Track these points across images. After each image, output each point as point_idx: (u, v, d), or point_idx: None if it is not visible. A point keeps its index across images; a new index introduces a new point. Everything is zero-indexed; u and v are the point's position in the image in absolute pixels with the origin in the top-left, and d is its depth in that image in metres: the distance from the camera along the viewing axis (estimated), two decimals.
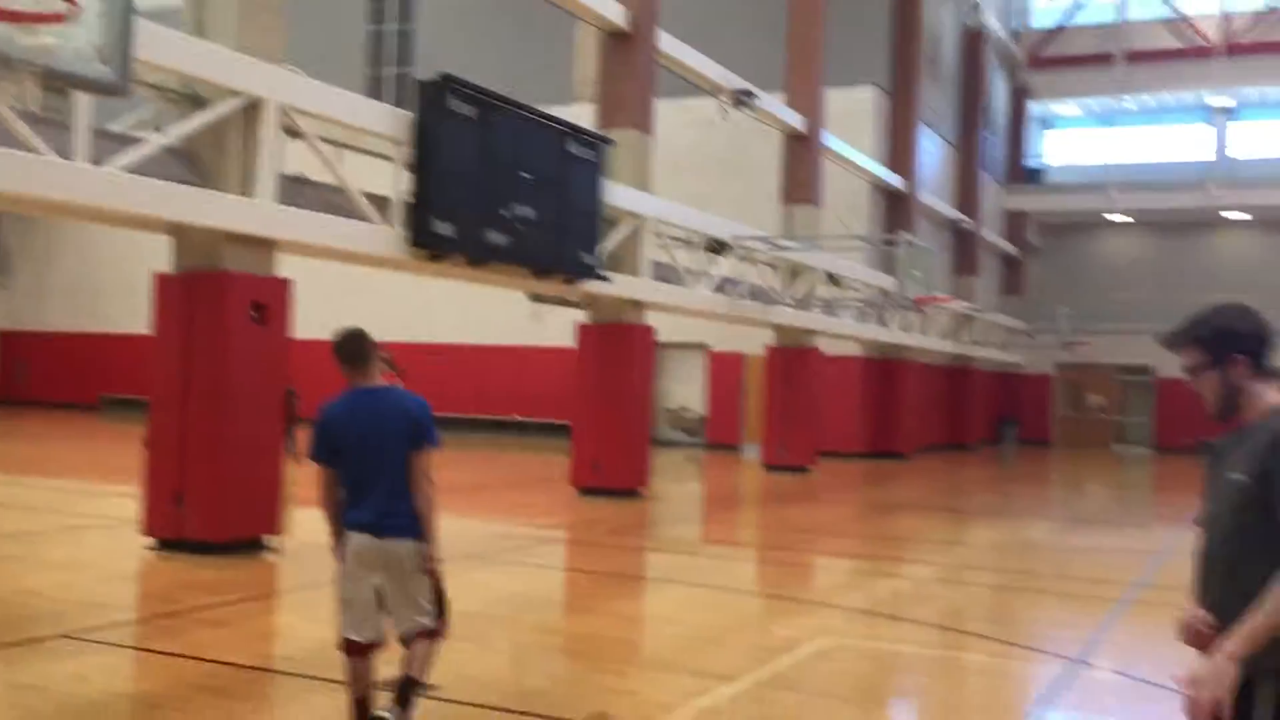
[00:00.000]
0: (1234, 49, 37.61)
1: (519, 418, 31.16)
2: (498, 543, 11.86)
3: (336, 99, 11.12)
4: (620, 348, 16.63)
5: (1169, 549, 13.14)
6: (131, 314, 22.27)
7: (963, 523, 16.71)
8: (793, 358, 22.59)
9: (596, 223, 14.74)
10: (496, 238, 12.92)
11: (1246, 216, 38.23)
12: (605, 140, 14.96)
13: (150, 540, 10.10)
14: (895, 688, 6.99)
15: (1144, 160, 40.12)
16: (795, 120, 22.25)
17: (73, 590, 8.51)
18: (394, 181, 11.82)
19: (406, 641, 4.97)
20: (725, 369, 29.24)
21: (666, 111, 27.85)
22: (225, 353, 10.03)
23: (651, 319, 20.24)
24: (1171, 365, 27.93)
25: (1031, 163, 42.17)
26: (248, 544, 10.15)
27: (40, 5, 4.95)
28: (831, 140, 23.90)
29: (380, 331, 5.54)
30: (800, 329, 22.29)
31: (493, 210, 12.82)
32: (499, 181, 12.87)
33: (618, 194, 15.72)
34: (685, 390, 30.31)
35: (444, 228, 12.06)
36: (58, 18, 5.01)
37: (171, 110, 10.09)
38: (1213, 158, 39.01)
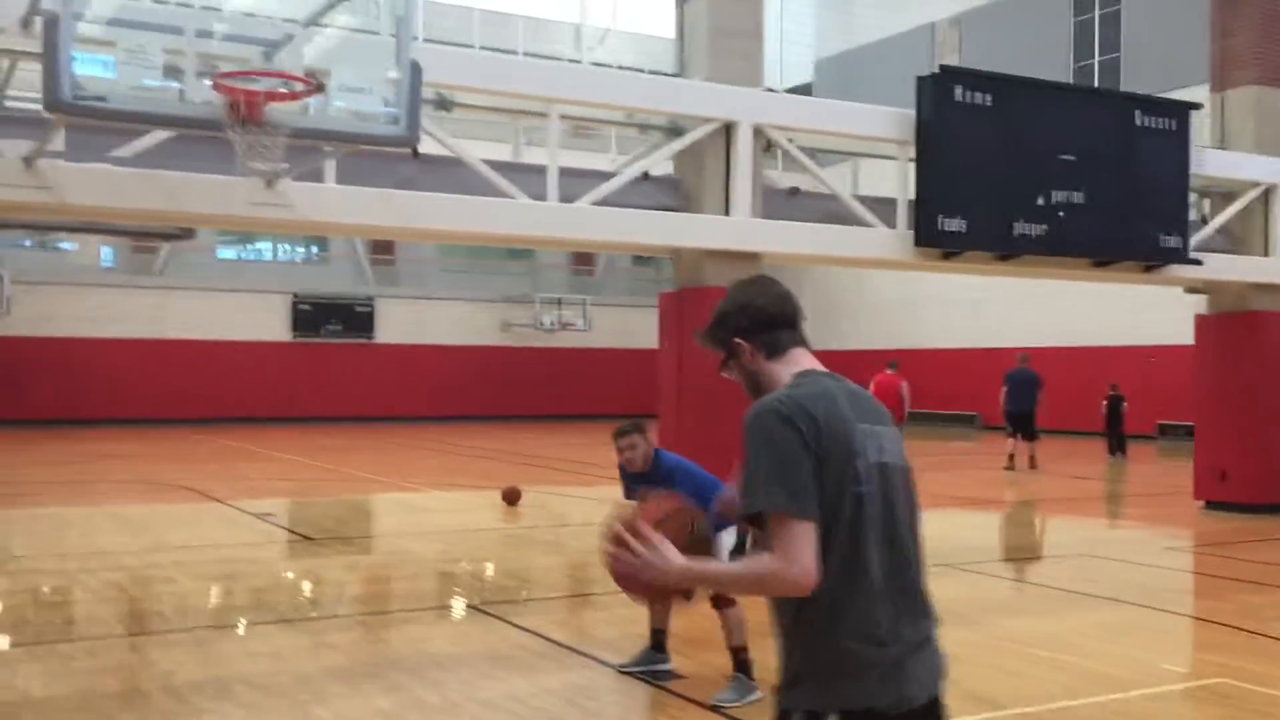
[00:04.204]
0: None
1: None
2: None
3: (818, 110, 11.37)
4: (1244, 339, 14.30)
5: None
6: None
7: None
8: None
9: (1180, 200, 12.99)
10: (1029, 228, 12.09)
11: None
12: (1188, 106, 13.09)
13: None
14: None
15: None
16: None
17: None
18: (900, 183, 11.75)
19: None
20: None
21: None
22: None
23: None
24: None
25: None
26: None
27: (282, 84, 6.19)
28: None
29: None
30: None
31: (1022, 200, 12.03)
32: (1027, 168, 12.02)
33: (1227, 162, 13.69)
34: None
35: (953, 224, 11.65)
36: (309, 91, 6.21)
37: (655, 141, 11.18)
38: None
